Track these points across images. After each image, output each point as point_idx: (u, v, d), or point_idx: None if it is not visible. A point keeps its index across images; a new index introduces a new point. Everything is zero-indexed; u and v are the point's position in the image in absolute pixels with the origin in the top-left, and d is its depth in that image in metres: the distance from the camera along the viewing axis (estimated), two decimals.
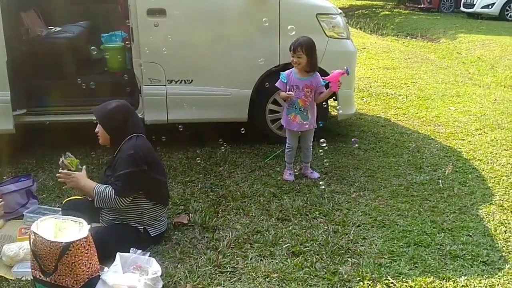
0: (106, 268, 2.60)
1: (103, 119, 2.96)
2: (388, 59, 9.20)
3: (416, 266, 2.84)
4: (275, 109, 4.62)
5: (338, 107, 4.61)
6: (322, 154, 4.47)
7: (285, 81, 3.90)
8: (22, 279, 2.65)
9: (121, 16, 4.74)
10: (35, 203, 3.41)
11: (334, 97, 4.81)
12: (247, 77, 4.43)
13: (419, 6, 17.97)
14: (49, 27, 4.96)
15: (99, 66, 4.93)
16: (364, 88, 6.95)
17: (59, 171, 2.94)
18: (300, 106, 3.88)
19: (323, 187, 3.77)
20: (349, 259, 2.89)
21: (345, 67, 3.73)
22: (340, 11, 4.69)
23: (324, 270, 2.78)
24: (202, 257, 2.90)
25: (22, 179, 3.43)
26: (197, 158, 4.32)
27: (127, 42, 4.32)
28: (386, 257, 2.92)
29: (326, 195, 3.69)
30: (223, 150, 4.50)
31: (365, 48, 9.98)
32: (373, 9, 18.52)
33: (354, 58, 4.85)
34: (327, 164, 4.23)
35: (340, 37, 4.58)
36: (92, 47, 4.76)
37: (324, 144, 3.91)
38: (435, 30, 12.91)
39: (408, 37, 12.63)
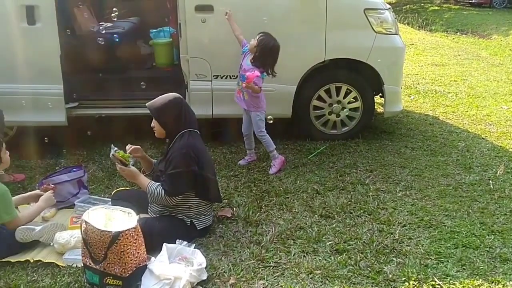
0: (152, 258, 2.66)
1: (158, 114, 3.00)
2: (437, 55, 8.96)
3: (464, 268, 2.77)
4: (319, 106, 4.60)
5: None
6: (367, 151, 4.43)
7: (244, 50, 4.00)
8: (73, 266, 2.75)
9: (170, 12, 4.83)
10: (85, 193, 3.53)
11: (380, 94, 4.75)
12: (292, 73, 4.40)
13: (470, 1, 17.39)
14: (101, 23, 5.11)
15: (148, 61, 5.04)
16: (412, 85, 6.79)
17: (118, 166, 3.02)
18: (240, 84, 3.97)
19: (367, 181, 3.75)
20: (394, 258, 2.84)
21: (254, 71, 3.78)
22: (388, 6, 4.60)
23: (369, 269, 2.75)
24: (246, 251, 2.92)
25: (74, 169, 3.56)
26: None
27: None
28: (432, 258, 2.85)
29: (371, 193, 3.64)
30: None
31: (413, 44, 9.77)
32: (422, 4, 18.05)
33: (402, 54, 4.74)
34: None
35: (388, 32, 4.48)
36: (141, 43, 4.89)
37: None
38: (486, 26, 12.46)
39: (458, 33, 12.26)
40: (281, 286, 2.62)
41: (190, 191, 2.97)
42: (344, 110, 4.63)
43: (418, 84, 6.86)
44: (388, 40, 4.50)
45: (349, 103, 4.62)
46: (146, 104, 3.04)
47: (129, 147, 3.11)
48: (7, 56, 4.05)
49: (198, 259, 2.66)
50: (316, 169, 4.09)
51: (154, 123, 3.04)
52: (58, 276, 2.68)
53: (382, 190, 3.71)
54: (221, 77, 4.37)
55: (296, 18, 4.33)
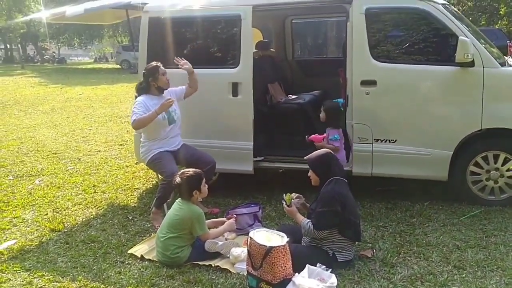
0: (297, 274, 3.40)
1: (313, 164, 3.85)
2: None
3: None
4: (476, 171, 4.85)
5: None
6: None
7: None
8: (240, 273, 3.65)
9: (342, 86, 5.71)
10: (259, 226, 4.47)
11: None
12: (448, 139, 4.79)
13: None
14: (288, 95, 6.27)
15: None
16: None
17: (284, 205, 3.92)
18: None
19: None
20: None
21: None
22: None
23: None
24: (376, 283, 3.45)
25: (252, 205, 4.58)
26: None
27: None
28: None
29: (511, 254, 3.80)
30: (421, 205, 4.91)
31: None
32: None
33: None
34: None
35: None
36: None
37: None
38: None
39: None
40: None
41: (333, 228, 3.66)
42: (502, 177, 4.79)
43: None
44: None
45: (507, 170, 4.77)
46: (305, 158, 3.89)
47: (295, 195, 4.00)
48: (216, 118, 5.38)
49: (332, 280, 3.31)
50: (464, 229, 4.35)
51: (310, 173, 3.86)
52: (229, 279, 3.60)
53: None
54: (381, 141, 4.99)
55: (454, 90, 4.75)
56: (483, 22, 24.56)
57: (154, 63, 4.92)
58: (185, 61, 5.04)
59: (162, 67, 4.87)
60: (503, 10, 23.40)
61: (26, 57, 49.79)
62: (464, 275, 3.51)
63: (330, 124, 4.85)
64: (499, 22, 24.11)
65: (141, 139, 5.00)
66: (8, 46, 53.49)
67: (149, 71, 4.88)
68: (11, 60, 50.30)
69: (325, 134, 4.88)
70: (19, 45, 51.27)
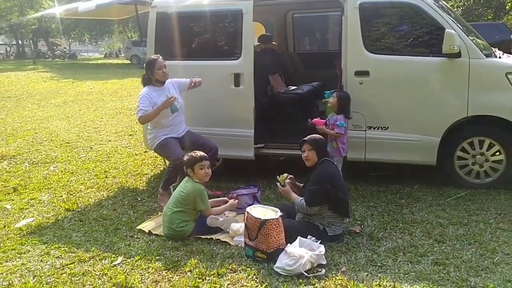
0: (289, 244, 3.74)
1: (316, 143, 4.14)
2: None
3: None
4: (463, 156, 5.15)
5: None
6: (506, 200, 4.80)
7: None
8: (239, 245, 4.00)
9: (338, 77, 6.03)
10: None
11: None
12: (436, 126, 5.10)
13: None
14: (288, 86, 6.59)
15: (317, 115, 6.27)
16: None
17: (278, 185, 4.26)
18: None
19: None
20: (483, 274, 3.37)
21: None
22: None
23: (456, 277, 3.34)
24: (361, 253, 3.78)
25: (251, 186, 4.93)
26: None
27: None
28: None
29: (489, 229, 4.11)
30: (410, 188, 5.23)
31: None
32: None
33: None
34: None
35: None
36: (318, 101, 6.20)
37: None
38: None
39: None
40: (379, 277, 3.41)
41: (324, 204, 3.99)
42: (487, 162, 5.09)
43: None
44: None
45: (492, 155, 5.07)
46: (306, 138, 4.19)
47: (286, 175, 4.33)
48: (219, 107, 5.73)
49: (320, 248, 3.65)
50: (448, 209, 4.67)
51: (308, 154, 4.15)
52: (228, 249, 3.96)
53: (502, 229, 4.13)
54: (374, 128, 5.31)
55: (442, 80, 5.06)
56: (489, 17, 24.63)
57: (153, 56, 5.28)
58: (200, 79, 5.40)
59: (160, 60, 5.19)
60: (509, 5, 23.46)
61: (37, 53, 50.39)
62: (443, 247, 3.83)
63: (342, 112, 5.01)
64: (505, 17, 24.17)
65: (148, 127, 5.36)
66: (20, 42, 54.27)
67: (148, 64, 5.23)
68: (22, 56, 51.02)
69: (327, 120, 5.12)
70: (30, 41, 52.03)
